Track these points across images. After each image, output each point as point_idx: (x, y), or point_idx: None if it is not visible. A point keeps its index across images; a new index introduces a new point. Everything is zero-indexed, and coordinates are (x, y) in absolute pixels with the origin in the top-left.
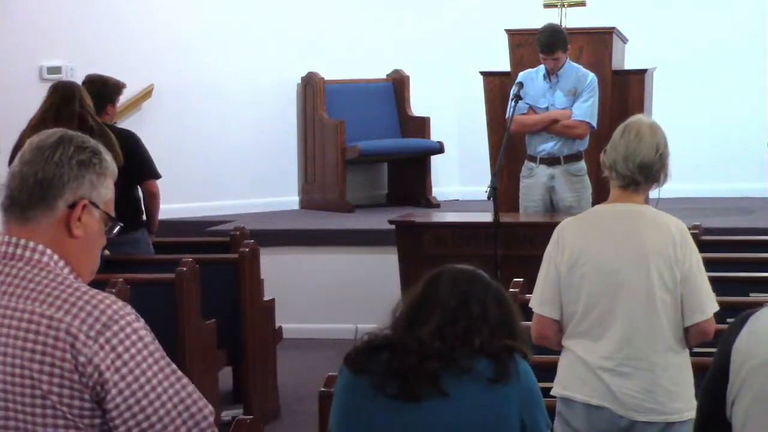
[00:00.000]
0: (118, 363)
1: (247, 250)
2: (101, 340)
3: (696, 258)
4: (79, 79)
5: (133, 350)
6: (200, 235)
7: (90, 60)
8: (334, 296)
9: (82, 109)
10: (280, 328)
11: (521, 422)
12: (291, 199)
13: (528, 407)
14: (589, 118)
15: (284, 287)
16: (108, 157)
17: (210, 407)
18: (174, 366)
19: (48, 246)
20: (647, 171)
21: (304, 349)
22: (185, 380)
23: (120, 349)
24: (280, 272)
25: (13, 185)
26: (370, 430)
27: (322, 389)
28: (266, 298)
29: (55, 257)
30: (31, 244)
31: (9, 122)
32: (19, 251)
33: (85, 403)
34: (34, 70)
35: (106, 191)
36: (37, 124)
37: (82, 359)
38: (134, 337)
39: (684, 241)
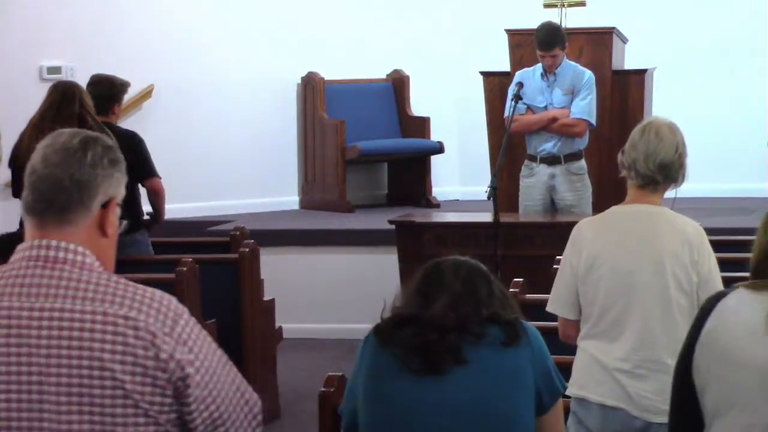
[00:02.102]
0: (191, 356)
1: (247, 250)
2: (174, 335)
3: (714, 261)
4: (79, 79)
5: (199, 343)
6: (200, 235)
7: (90, 60)
8: (334, 296)
9: (82, 109)
10: (280, 328)
11: (535, 386)
12: (291, 199)
13: (541, 370)
14: (587, 115)
15: (284, 287)
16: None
17: (256, 394)
18: (225, 355)
19: (86, 247)
20: (667, 170)
21: (304, 349)
22: (235, 368)
23: (190, 342)
24: (280, 272)
25: (45, 188)
26: (396, 403)
27: (322, 389)
28: (266, 298)
29: (93, 257)
30: (72, 246)
31: (9, 122)
32: (61, 254)
33: (166, 399)
34: (34, 70)
35: (123, 189)
36: (36, 124)
37: (163, 355)
38: (196, 330)
39: (701, 244)
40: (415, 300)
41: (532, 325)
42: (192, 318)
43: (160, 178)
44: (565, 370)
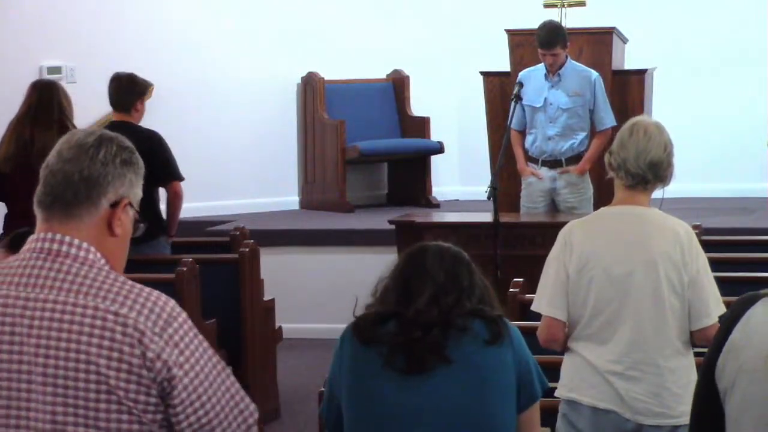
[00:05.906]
0: (181, 359)
1: (247, 250)
2: (165, 336)
3: (703, 261)
4: (79, 79)
5: (191, 347)
6: (200, 235)
7: (90, 60)
8: (334, 296)
9: (62, 116)
10: (280, 328)
11: (517, 386)
12: (291, 199)
13: (523, 371)
14: (612, 121)
15: (284, 287)
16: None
17: (253, 404)
18: (223, 363)
19: (91, 243)
20: (656, 169)
21: (304, 349)
22: (233, 377)
23: (182, 345)
24: (280, 272)
25: (54, 182)
26: (380, 401)
27: (322, 389)
28: (266, 298)
29: (98, 254)
30: (76, 241)
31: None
32: (64, 248)
33: (150, 398)
34: (34, 70)
35: (138, 191)
36: (15, 128)
37: (150, 355)
38: (191, 334)
39: (691, 244)
40: (396, 288)
41: (531, 324)
42: (189, 322)
43: (184, 179)
44: (553, 370)
